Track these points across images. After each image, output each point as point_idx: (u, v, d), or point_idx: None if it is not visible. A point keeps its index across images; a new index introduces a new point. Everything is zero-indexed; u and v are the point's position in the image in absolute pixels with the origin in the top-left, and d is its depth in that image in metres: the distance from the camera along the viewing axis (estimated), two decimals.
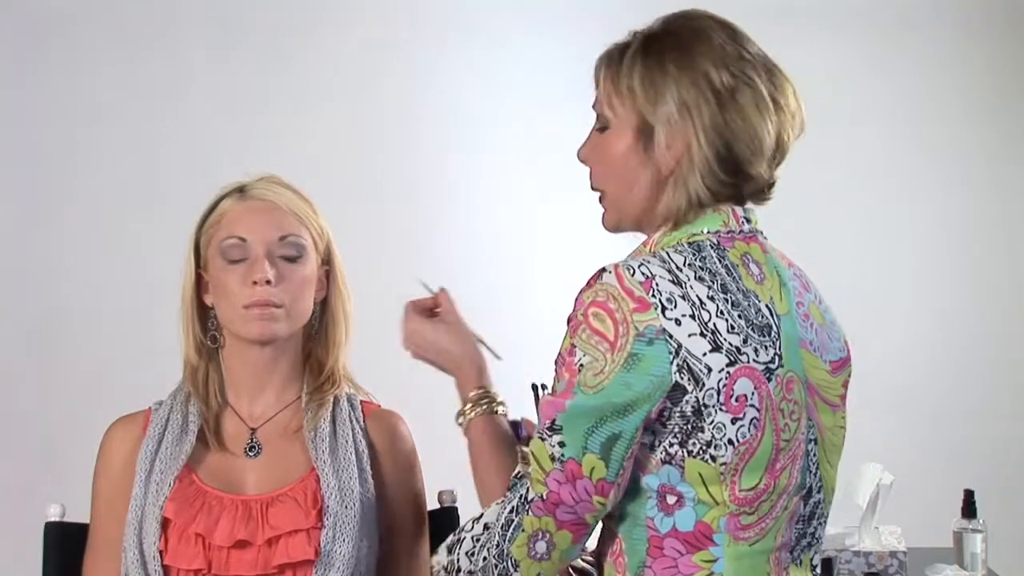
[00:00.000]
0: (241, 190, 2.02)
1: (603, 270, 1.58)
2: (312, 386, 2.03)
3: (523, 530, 1.57)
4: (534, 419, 1.70)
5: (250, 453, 2.00)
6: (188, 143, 3.85)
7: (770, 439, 1.58)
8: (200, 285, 2.02)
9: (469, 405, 1.76)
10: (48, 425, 3.81)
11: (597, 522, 1.60)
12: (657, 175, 1.64)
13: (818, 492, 1.67)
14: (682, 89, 1.63)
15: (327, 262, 2.05)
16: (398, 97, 3.90)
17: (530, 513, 1.57)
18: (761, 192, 1.70)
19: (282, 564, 1.91)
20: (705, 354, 1.54)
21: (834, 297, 4.24)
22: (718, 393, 1.54)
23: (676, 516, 1.58)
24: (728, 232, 1.64)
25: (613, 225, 1.70)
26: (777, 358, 1.59)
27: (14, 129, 3.86)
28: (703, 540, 1.58)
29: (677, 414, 1.55)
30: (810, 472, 1.65)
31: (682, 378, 1.54)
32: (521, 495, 1.58)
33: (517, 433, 1.78)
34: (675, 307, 1.55)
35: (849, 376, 1.73)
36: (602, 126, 1.69)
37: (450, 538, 1.64)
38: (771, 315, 1.60)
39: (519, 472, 1.61)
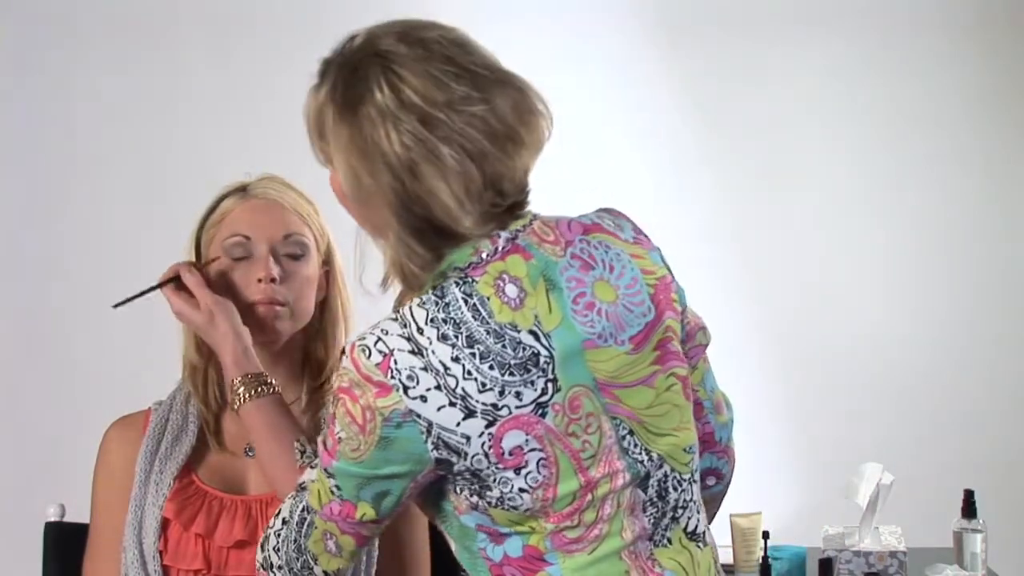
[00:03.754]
0: (244, 189, 2.02)
1: (342, 352, 1.54)
2: (312, 386, 2.03)
3: (315, 527, 1.59)
4: None
5: (250, 453, 1.99)
6: (188, 143, 3.85)
7: (569, 467, 1.52)
8: None
9: (242, 388, 1.83)
10: (48, 425, 3.81)
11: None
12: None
13: (659, 469, 1.58)
14: (355, 160, 1.52)
15: (327, 263, 2.05)
16: None
17: (319, 516, 1.59)
18: (501, 219, 1.55)
19: None
20: (459, 423, 1.48)
21: (834, 298, 4.24)
22: (486, 456, 1.50)
23: (505, 545, 1.56)
24: (480, 260, 1.54)
25: None
26: (550, 386, 1.51)
27: (14, 129, 3.86)
28: (536, 563, 1.55)
29: (459, 476, 1.53)
30: (638, 461, 1.57)
31: (441, 454, 1.50)
32: (307, 501, 1.60)
33: None
34: (417, 383, 1.48)
35: (668, 332, 1.60)
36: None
37: (262, 535, 1.66)
38: (537, 339, 1.51)
39: (303, 483, 1.63)
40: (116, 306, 1.96)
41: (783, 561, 2.77)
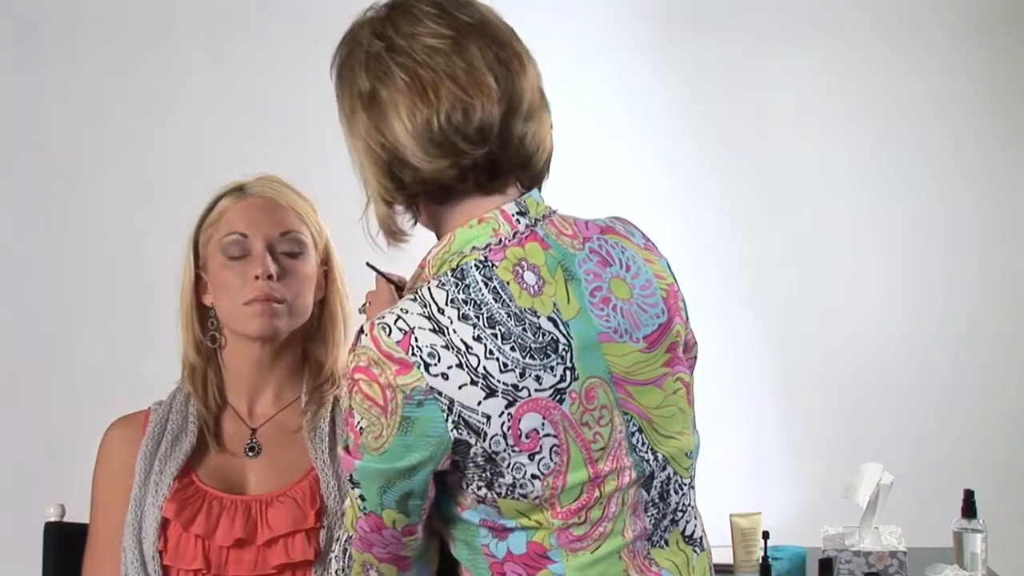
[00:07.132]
0: (240, 188, 2.03)
1: (361, 331, 1.52)
2: (312, 386, 2.03)
3: (354, 560, 1.60)
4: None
5: (250, 453, 2.00)
6: (187, 143, 3.85)
7: (580, 457, 1.53)
8: (199, 285, 2.02)
9: None
10: (48, 425, 3.81)
11: (421, 550, 1.61)
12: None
13: (662, 471, 1.59)
14: (344, 104, 1.61)
15: (326, 262, 2.05)
16: None
17: (354, 547, 1.60)
18: (519, 173, 1.59)
19: (281, 564, 1.91)
20: (480, 403, 1.48)
21: (833, 297, 4.23)
22: (504, 437, 1.49)
23: (509, 541, 1.56)
24: (499, 242, 1.55)
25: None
26: (568, 373, 1.52)
27: (14, 129, 3.87)
28: (540, 560, 1.55)
29: (471, 463, 1.52)
30: (644, 460, 1.58)
31: (461, 434, 1.49)
32: (346, 527, 1.62)
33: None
34: (439, 361, 1.48)
35: (677, 337, 1.63)
36: None
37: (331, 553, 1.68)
38: (556, 326, 1.52)
39: (341, 511, 1.64)
40: (368, 265, 1.81)
41: (783, 561, 2.77)
